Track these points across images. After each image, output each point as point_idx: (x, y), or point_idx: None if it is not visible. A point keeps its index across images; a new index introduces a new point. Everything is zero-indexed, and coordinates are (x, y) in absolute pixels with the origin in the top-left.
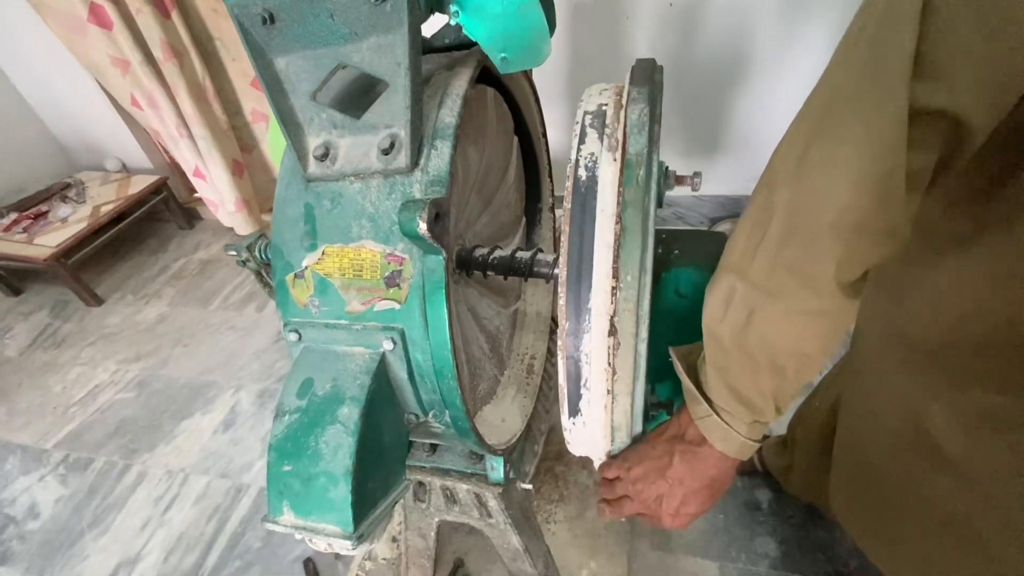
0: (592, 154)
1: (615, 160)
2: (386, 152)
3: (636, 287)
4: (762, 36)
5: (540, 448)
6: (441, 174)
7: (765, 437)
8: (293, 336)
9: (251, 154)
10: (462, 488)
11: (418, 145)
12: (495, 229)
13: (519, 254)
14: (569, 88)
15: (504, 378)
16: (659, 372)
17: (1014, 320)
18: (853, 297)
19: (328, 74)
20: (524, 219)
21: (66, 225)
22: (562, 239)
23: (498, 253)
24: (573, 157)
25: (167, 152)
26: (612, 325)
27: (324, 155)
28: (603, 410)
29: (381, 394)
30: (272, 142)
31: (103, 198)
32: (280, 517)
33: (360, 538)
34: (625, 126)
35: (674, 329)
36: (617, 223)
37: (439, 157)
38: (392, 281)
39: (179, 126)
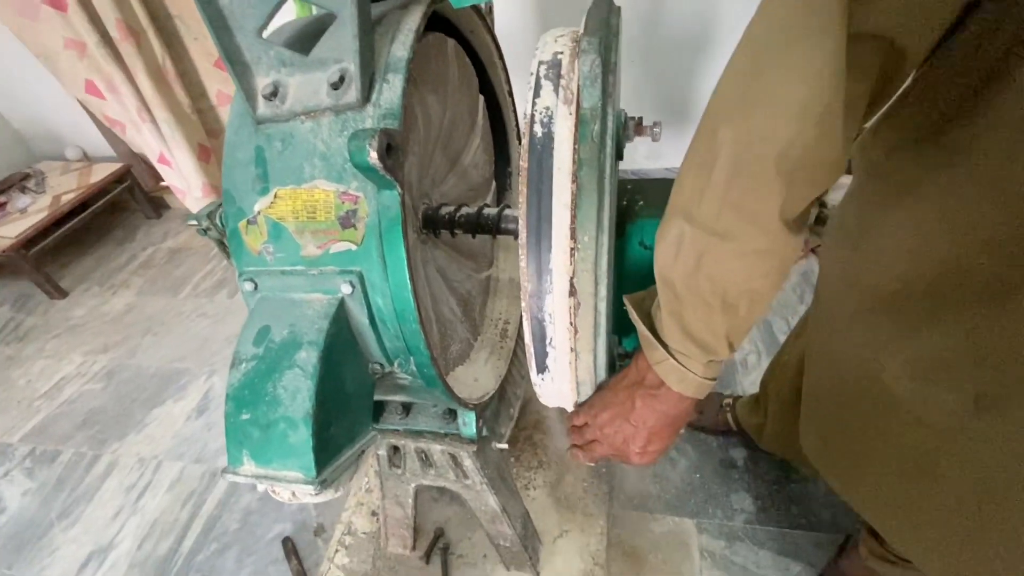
0: (547, 108)
1: (571, 114)
2: (336, 87)
3: (594, 247)
4: (730, 10)
5: (515, 412)
6: (394, 107)
7: (714, 379)
8: (248, 286)
9: (218, 139)
10: (436, 449)
11: (369, 79)
12: (464, 191)
13: (486, 211)
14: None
15: (477, 342)
16: (626, 324)
17: (961, 264)
18: (797, 233)
19: (273, 8)
20: (495, 183)
21: (25, 216)
22: (519, 199)
23: (464, 211)
24: (528, 111)
25: (129, 140)
26: (572, 286)
27: (273, 94)
28: (568, 366)
29: (341, 339)
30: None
31: (64, 187)
32: (240, 467)
33: (323, 483)
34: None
35: (639, 281)
36: (574, 182)
37: (391, 91)
38: (347, 222)
39: (140, 110)
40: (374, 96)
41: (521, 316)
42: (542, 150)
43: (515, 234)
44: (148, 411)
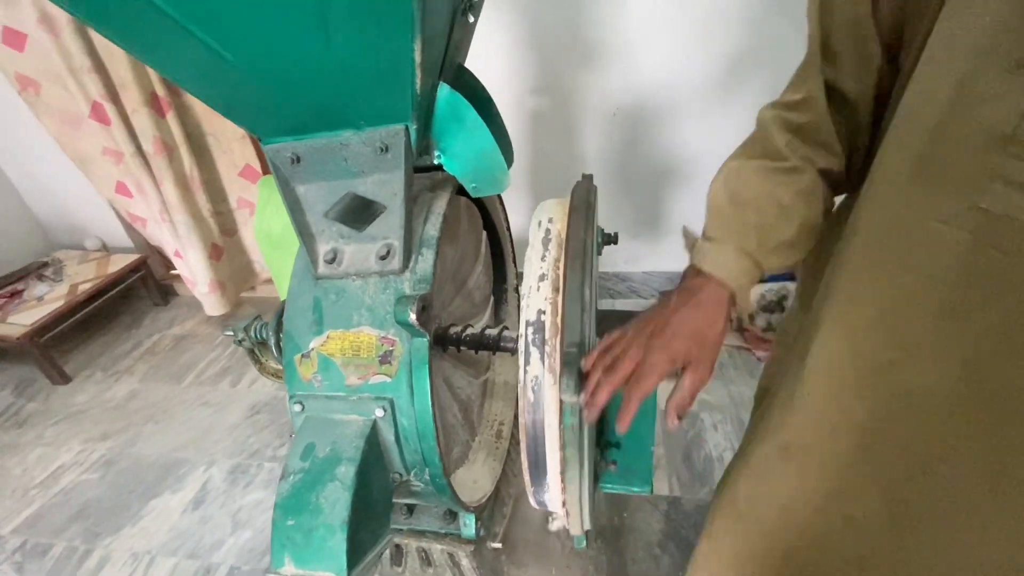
0: (536, 377)
1: (554, 384)
2: (383, 257)
3: (578, 490)
4: (688, 136)
5: (509, 510)
6: (427, 275)
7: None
8: (297, 407)
9: (232, 237)
10: (436, 548)
11: (408, 252)
12: (468, 308)
13: (488, 331)
14: (531, 180)
15: (475, 443)
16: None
17: None
18: (807, 158)
19: (339, 199)
20: (492, 298)
21: (42, 303)
22: (522, 443)
23: (470, 331)
24: (521, 378)
25: (149, 234)
26: (563, 498)
27: (332, 259)
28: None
29: (372, 455)
30: (257, 228)
31: (81, 276)
32: (282, 569)
33: None
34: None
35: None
36: (560, 449)
37: (424, 261)
38: (385, 359)
39: (162, 211)
40: (411, 265)
41: (515, 416)
42: (534, 412)
43: (512, 351)
44: (145, 503)
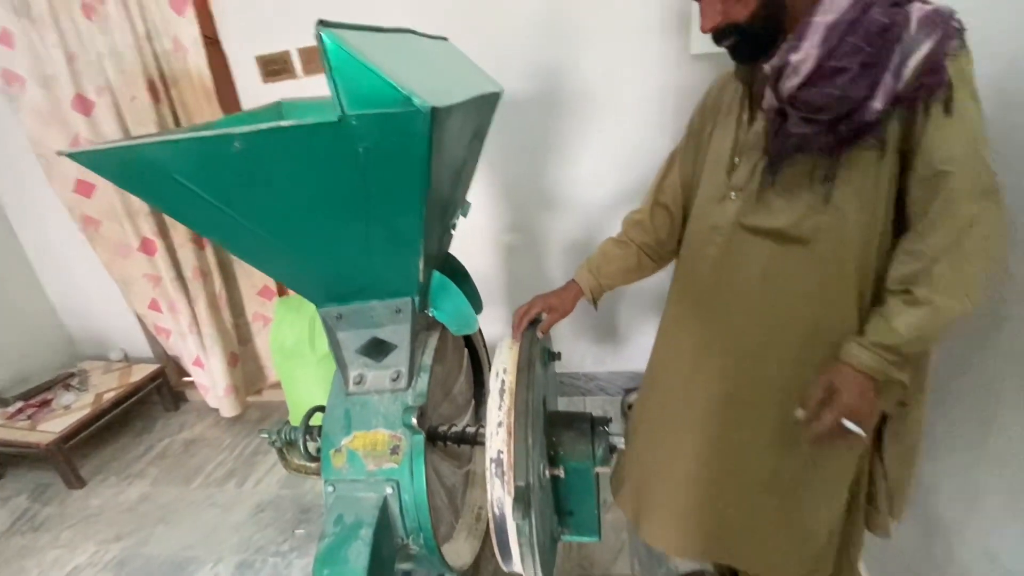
0: (499, 499)
1: (512, 518)
2: (394, 380)
3: (532, 565)
4: None
5: None
6: (423, 391)
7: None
8: (330, 488)
9: (246, 347)
10: None
11: (411, 376)
12: (453, 410)
13: (468, 429)
14: (507, 299)
15: (459, 524)
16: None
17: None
18: (631, 237)
19: (366, 341)
20: (473, 401)
21: (69, 412)
22: (493, 539)
23: (454, 429)
24: (489, 497)
25: (170, 345)
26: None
27: (359, 381)
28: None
29: (384, 522)
30: (272, 340)
31: (105, 385)
32: None
33: None
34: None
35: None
36: (519, 546)
37: (422, 381)
38: (394, 451)
39: (191, 325)
40: (413, 384)
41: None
42: (500, 524)
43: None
44: None
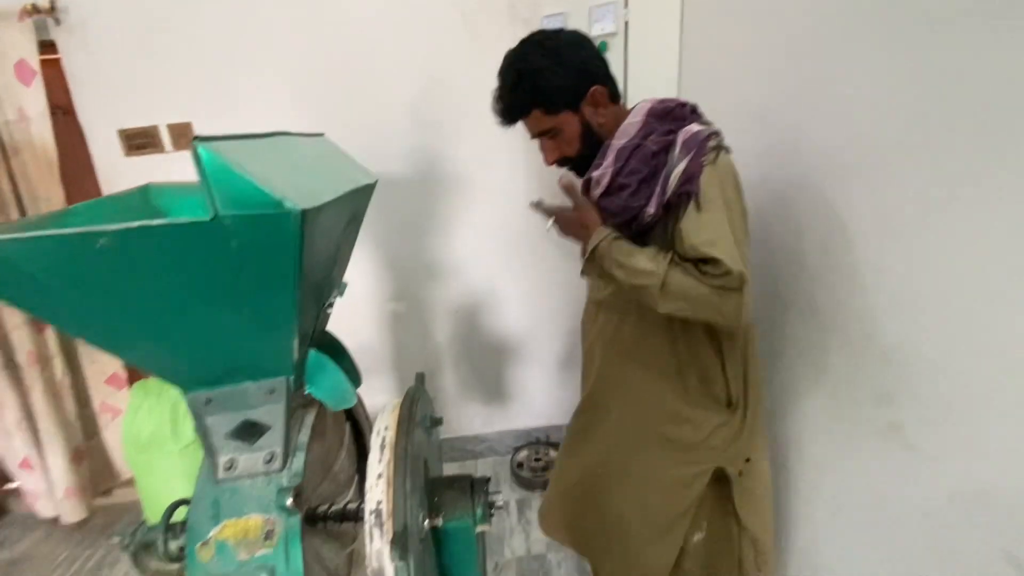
0: (379, 549)
1: (392, 557)
2: (268, 461)
3: None
4: (512, 322)
5: None
6: (299, 470)
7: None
8: None
9: (92, 440)
10: None
11: (286, 455)
12: (335, 488)
13: (349, 506)
14: (393, 366)
15: None
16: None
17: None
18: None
19: (238, 425)
20: (357, 476)
21: None
22: None
23: (334, 508)
24: (368, 550)
25: None
26: None
27: (230, 467)
28: None
29: None
30: (125, 431)
31: None
32: None
33: None
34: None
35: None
36: None
37: (298, 461)
38: (268, 536)
39: (20, 421)
40: (288, 464)
41: None
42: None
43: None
44: None
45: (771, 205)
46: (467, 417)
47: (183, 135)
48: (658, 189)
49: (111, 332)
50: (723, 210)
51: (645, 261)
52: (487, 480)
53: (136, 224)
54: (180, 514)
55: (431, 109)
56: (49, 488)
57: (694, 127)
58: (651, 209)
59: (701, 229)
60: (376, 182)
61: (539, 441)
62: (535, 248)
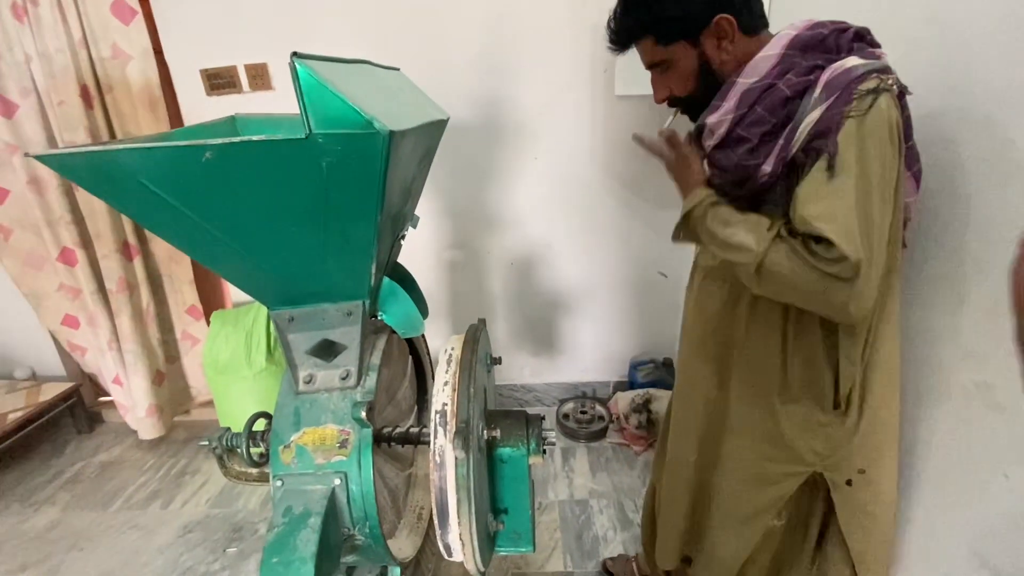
0: (441, 446)
1: (453, 451)
2: (344, 378)
3: (469, 524)
4: (565, 277)
5: None
6: (372, 389)
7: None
8: (278, 483)
9: (173, 365)
10: None
11: (360, 375)
12: (397, 414)
13: (412, 429)
14: (449, 313)
15: (400, 523)
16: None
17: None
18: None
19: (317, 343)
20: (416, 407)
21: None
22: (431, 493)
23: (398, 430)
24: (432, 447)
25: (85, 362)
26: (459, 532)
27: (309, 380)
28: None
29: (331, 511)
30: (206, 355)
31: (10, 406)
32: None
33: None
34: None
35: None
36: (456, 493)
37: (371, 381)
38: (343, 445)
39: (111, 342)
40: (361, 383)
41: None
42: (440, 472)
43: (429, 443)
44: None
45: None
46: (516, 367)
47: (259, 76)
48: (780, 142)
49: (208, 244)
50: (857, 178)
51: (743, 233)
52: (542, 418)
53: (238, 139)
54: (258, 426)
55: (497, 52)
56: (133, 405)
57: (850, 61)
58: (767, 167)
59: (821, 198)
60: (448, 119)
61: (585, 396)
62: (595, 205)
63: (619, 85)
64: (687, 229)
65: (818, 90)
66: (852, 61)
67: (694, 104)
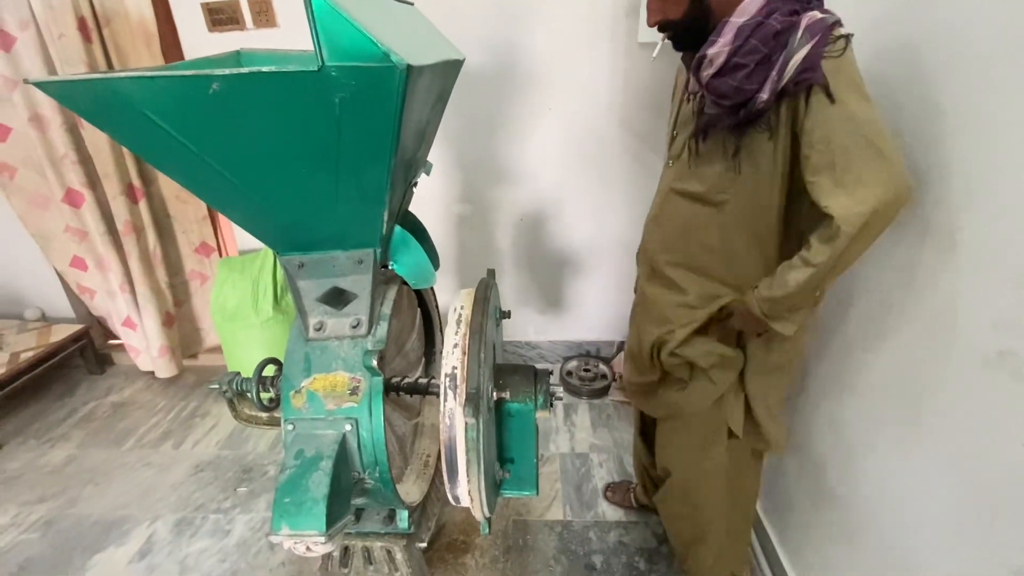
0: (451, 409)
1: (462, 416)
2: (354, 327)
3: (478, 481)
4: (575, 235)
5: (433, 525)
6: (383, 338)
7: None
8: (290, 427)
9: (182, 307)
10: (377, 546)
11: (371, 323)
12: (405, 365)
13: (420, 380)
14: (457, 268)
15: (408, 469)
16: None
17: None
18: None
19: (327, 290)
20: (424, 359)
21: None
22: (442, 453)
23: (406, 380)
24: (442, 409)
25: (95, 305)
26: (468, 488)
27: (319, 328)
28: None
29: (342, 455)
30: (213, 302)
31: (22, 346)
32: (279, 532)
33: (329, 537)
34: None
35: (512, 434)
36: (466, 454)
37: (381, 329)
38: (354, 392)
39: (123, 284)
40: (372, 331)
41: (439, 450)
42: (450, 434)
43: (436, 394)
44: (89, 557)
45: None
46: (521, 324)
47: (263, 11)
48: (774, 74)
49: (214, 183)
50: (860, 108)
51: (795, 272)
52: (549, 372)
53: (247, 70)
54: (267, 371)
55: None
56: (147, 346)
57: (818, 13)
58: (764, 95)
59: (833, 123)
60: (464, 60)
61: (589, 354)
62: (608, 163)
63: (643, 32)
64: (794, 319)
65: (800, 32)
66: (820, 13)
67: (681, 33)
